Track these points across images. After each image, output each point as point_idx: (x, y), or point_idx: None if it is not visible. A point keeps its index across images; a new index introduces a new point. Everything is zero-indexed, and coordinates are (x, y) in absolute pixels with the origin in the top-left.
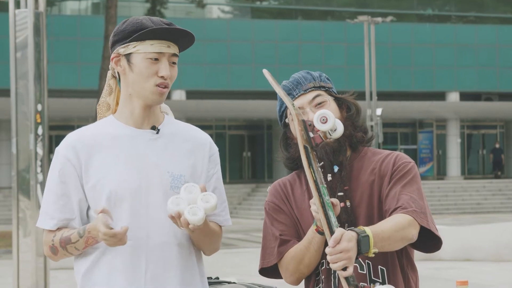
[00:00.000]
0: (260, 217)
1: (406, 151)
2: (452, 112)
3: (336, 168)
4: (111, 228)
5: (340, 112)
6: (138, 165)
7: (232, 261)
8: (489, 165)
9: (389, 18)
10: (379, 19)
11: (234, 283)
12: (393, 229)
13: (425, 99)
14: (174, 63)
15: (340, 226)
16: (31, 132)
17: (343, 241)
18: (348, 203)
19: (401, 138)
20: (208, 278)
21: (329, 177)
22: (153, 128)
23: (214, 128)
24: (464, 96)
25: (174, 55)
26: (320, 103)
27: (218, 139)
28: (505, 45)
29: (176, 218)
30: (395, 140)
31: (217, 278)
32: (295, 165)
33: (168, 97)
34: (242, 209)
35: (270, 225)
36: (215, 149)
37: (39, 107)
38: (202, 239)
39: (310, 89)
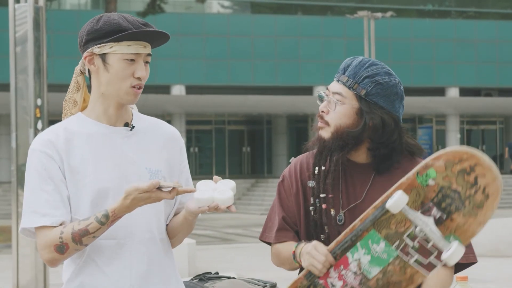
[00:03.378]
0: (260, 213)
1: None
2: (451, 108)
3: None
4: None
5: (355, 121)
6: (117, 162)
7: (232, 256)
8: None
9: (389, 14)
10: (379, 14)
11: (233, 278)
12: None
13: (424, 94)
14: (147, 62)
15: None
16: (31, 126)
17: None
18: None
19: None
20: (208, 273)
21: (316, 171)
22: (126, 125)
23: (214, 123)
24: (464, 92)
25: (148, 54)
26: (336, 101)
27: (217, 134)
28: (505, 41)
29: (213, 207)
30: None
31: (217, 273)
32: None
33: (168, 92)
34: (241, 204)
35: (278, 202)
36: (183, 141)
37: (39, 101)
38: (189, 226)
39: (340, 82)
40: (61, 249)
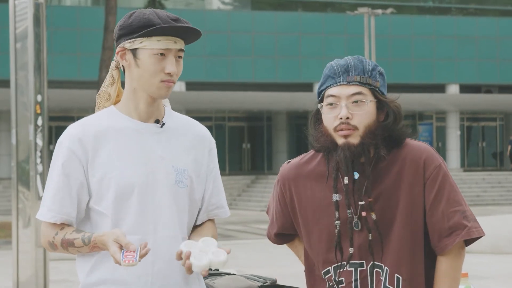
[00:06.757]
0: (260, 209)
1: None
2: (452, 105)
3: (356, 175)
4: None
5: (376, 116)
6: (145, 159)
7: (232, 253)
8: (489, 158)
9: (389, 10)
10: (379, 11)
11: (234, 274)
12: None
13: (425, 91)
14: (180, 57)
15: (359, 233)
16: (31, 123)
17: None
18: (373, 216)
19: None
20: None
21: (346, 181)
22: (157, 121)
23: (214, 120)
24: (464, 89)
25: (180, 50)
26: (357, 102)
27: (217, 130)
28: (505, 37)
29: (183, 257)
30: None
31: (217, 269)
32: (320, 147)
33: None
34: (241, 200)
35: (275, 205)
36: (213, 142)
37: (39, 98)
38: None
39: (354, 83)
40: (52, 246)
